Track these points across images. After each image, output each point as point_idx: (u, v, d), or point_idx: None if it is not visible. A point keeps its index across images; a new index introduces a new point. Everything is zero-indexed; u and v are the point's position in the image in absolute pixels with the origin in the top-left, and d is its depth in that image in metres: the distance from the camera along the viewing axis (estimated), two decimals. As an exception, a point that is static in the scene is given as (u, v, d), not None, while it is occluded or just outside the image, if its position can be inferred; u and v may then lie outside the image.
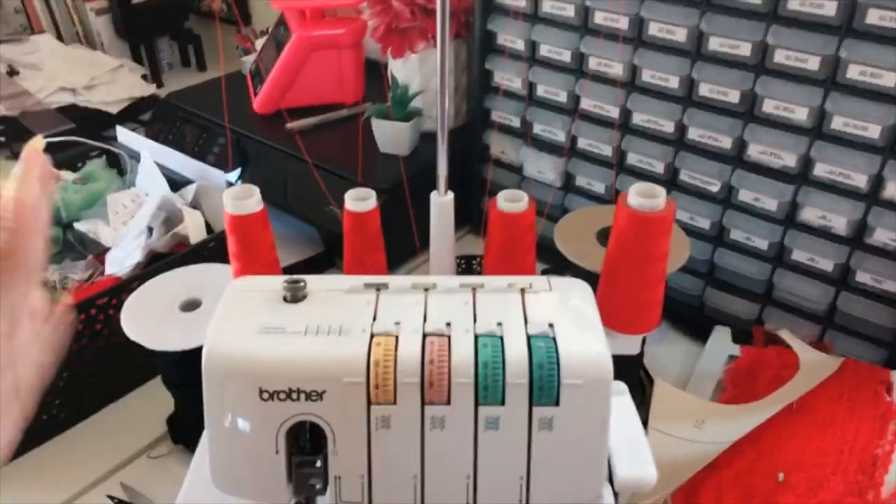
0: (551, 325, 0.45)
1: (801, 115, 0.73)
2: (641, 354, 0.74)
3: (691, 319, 0.87)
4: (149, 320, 0.63)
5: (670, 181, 0.84)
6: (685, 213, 0.84)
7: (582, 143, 0.90)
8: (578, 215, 0.80)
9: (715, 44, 0.75)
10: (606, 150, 0.88)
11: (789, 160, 0.75)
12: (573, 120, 0.89)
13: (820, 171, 0.74)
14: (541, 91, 0.91)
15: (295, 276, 0.48)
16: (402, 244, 0.83)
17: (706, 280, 0.86)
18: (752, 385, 0.75)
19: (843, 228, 0.75)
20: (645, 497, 0.63)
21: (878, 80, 0.68)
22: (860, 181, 0.72)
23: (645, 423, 0.71)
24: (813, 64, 0.71)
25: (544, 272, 0.92)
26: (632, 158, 0.86)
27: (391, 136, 0.97)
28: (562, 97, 0.90)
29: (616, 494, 0.48)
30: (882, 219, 0.72)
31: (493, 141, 0.99)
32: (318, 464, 0.44)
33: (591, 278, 0.59)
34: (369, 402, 0.42)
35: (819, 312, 0.79)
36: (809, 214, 0.76)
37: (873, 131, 0.70)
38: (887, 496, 0.62)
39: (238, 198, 0.54)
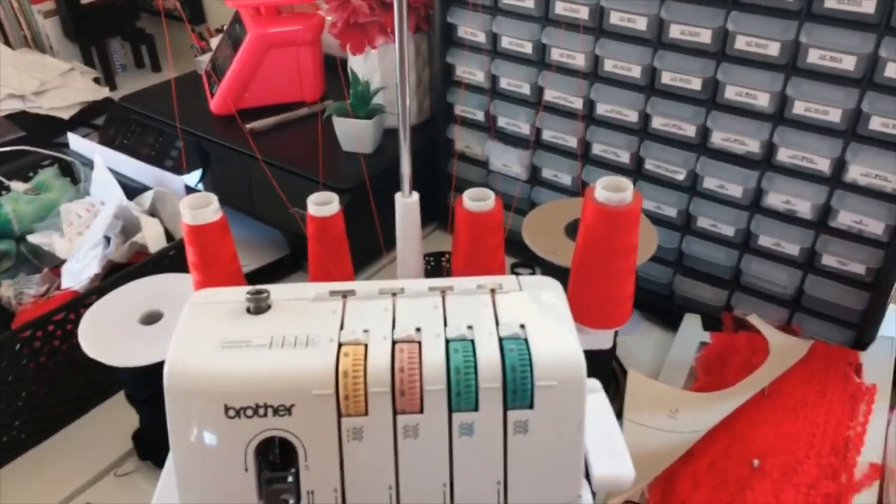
0: (523, 326, 0.44)
1: (762, 100, 0.73)
2: (614, 347, 0.74)
3: (661, 308, 0.87)
4: (108, 335, 0.61)
5: (636, 170, 0.84)
6: (652, 203, 0.84)
7: (547, 135, 0.90)
8: (546, 209, 0.79)
9: (676, 32, 0.75)
10: (572, 142, 0.88)
11: (753, 146, 0.76)
12: (537, 112, 0.88)
13: (783, 156, 0.74)
14: (503, 84, 0.90)
15: (257, 287, 0.46)
16: (368, 244, 0.81)
17: (675, 268, 0.86)
18: (723, 371, 0.75)
19: (808, 212, 0.75)
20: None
21: (837, 64, 0.68)
22: (823, 165, 0.73)
23: (620, 414, 0.71)
24: (773, 49, 0.71)
25: (514, 266, 0.91)
26: (597, 149, 0.86)
27: (353, 134, 0.96)
28: (525, 89, 0.89)
29: (594, 493, 0.47)
30: (845, 201, 0.73)
31: (458, 136, 0.97)
32: (290, 479, 0.42)
33: (561, 273, 0.58)
34: (339, 414, 0.41)
35: (787, 296, 0.80)
36: (774, 199, 0.77)
37: (834, 115, 0.70)
38: (860, 477, 0.63)
39: (195, 207, 0.52)
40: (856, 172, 0.71)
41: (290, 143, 1.01)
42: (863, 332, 0.76)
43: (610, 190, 0.54)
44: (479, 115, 0.95)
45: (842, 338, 0.78)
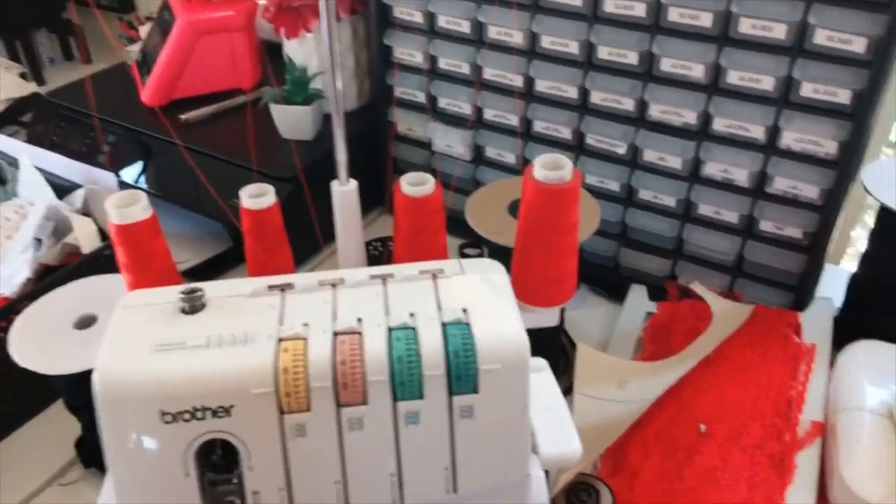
0: (465, 311, 0.44)
1: (697, 72, 0.74)
2: (562, 322, 0.74)
3: (608, 281, 0.88)
4: (41, 342, 0.58)
5: (577, 146, 0.84)
6: (594, 177, 0.84)
7: (488, 115, 0.89)
8: (489, 190, 0.79)
9: (610, 6, 0.75)
10: (513, 120, 0.87)
11: (689, 117, 0.76)
12: (477, 91, 0.88)
13: (719, 125, 0.75)
14: (442, 64, 0.89)
15: (191, 285, 0.45)
16: (310, 235, 0.80)
17: (619, 241, 0.87)
18: (669, 340, 0.77)
19: (745, 180, 0.77)
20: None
21: (768, 33, 0.69)
22: (758, 133, 0.74)
23: (570, 388, 0.71)
24: (706, 20, 0.71)
25: (462, 247, 0.91)
26: (538, 126, 0.86)
27: (291, 121, 0.94)
28: (464, 69, 0.88)
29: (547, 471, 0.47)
30: (780, 168, 0.74)
31: (399, 118, 0.96)
32: (234, 481, 0.42)
33: (508, 253, 0.58)
34: (281, 412, 0.40)
35: (727, 263, 0.82)
36: (712, 169, 0.78)
37: (767, 83, 0.71)
38: (803, 435, 0.65)
39: (122, 205, 0.50)
40: (789, 139, 0.73)
41: (227, 133, 0.99)
42: (801, 293, 0.78)
43: (548, 168, 0.54)
44: (420, 97, 0.94)
45: (782, 301, 0.80)
